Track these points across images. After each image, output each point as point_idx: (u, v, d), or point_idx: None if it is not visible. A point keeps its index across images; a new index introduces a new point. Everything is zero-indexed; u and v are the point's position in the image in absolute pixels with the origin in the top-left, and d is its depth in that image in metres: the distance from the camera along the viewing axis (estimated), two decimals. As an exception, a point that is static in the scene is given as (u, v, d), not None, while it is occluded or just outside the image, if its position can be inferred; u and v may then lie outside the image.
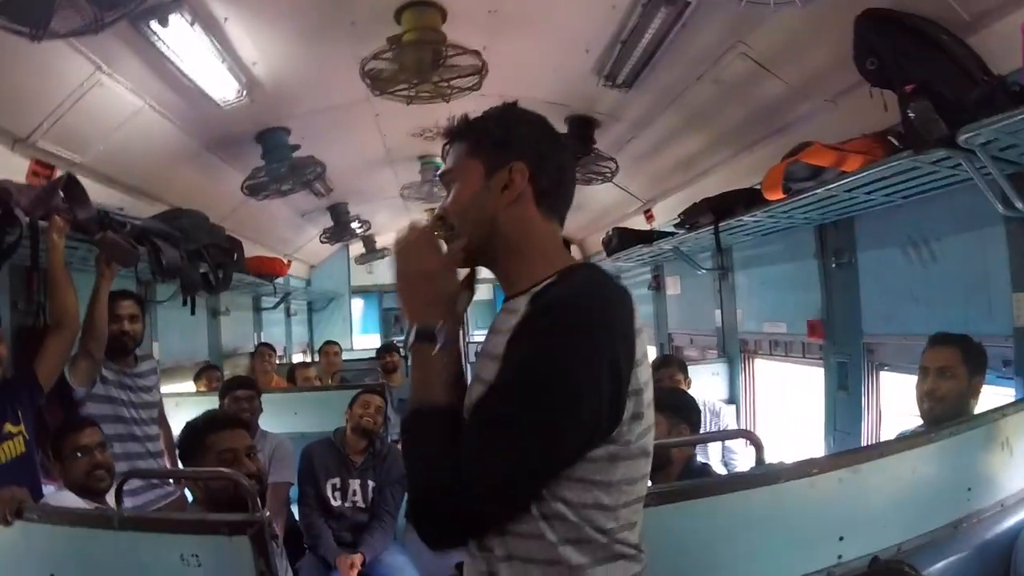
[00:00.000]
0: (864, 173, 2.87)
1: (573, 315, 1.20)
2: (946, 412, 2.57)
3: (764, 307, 5.01)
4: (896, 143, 2.86)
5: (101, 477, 2.82)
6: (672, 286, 6.67)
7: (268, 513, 1.83)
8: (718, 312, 5.55)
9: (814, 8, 2.78)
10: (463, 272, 1.43)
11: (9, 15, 2.35)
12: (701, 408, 3.93)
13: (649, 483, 1.33)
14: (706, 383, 5.12)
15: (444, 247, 1.36)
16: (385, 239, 10.13)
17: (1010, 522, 2.35)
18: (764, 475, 1.98)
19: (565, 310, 1.21)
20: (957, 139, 2.39)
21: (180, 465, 2.74)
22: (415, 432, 1.29)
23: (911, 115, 2.59)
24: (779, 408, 5.24)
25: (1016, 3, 2.49)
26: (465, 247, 1.37)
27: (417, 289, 1.35)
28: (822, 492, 1.99)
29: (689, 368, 4.60)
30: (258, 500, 2.04)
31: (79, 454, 2.80)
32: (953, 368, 2.63)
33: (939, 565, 2.12)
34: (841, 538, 1.91)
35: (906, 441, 2.31)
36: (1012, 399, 2.78)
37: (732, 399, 5.27)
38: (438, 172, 1.42)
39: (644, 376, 1.25)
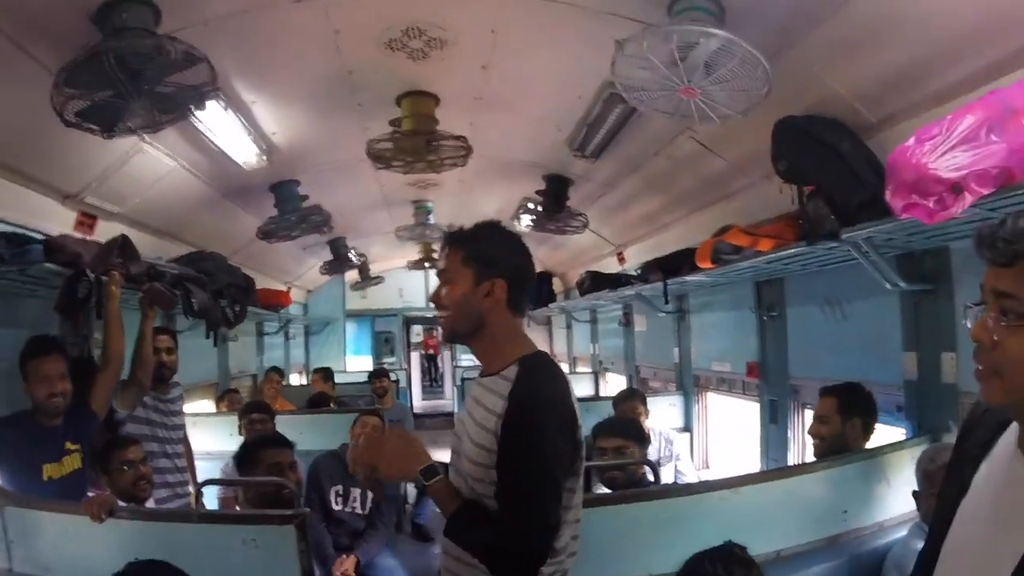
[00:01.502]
0: (773, 254, 3.50)
1: (546, 408, 1.82)
2: (825, 449, 3.13)
3: (712, 348, 5.57)
4: (804, 227, 3.45)
5: (143, 487, 3.33)
6: (640, 323, 7.21)
7: (308, 509, 2.44)
8: (676, 349, 6.10)
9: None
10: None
11: (88, 119, 2.93)
12: (657, 436, 4.58)
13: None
14: (664, 413, 5.68)
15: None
16: (378, 267, 10.75)
17: (886, 540, 2.84)
18: (659, 491, 2.64)
19: (540, 406, 1.82)
20: (841, 236, 3.01)
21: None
22: (464, 531, 1.86)
23: (809, 211, 3.23)
24: (732, 436, 5.71)
25: (913, 110, 2.96)
26: (451, 329, 1.99)
27: (403, 465, 1.91)
28: (708, 506, 2.58)
29: (649, 399, 5.14)
30: (301, 500, 2.68)
31: (126, 467, 3.29)
32: (828, 415, 3.16)
33: (815, 569, 2.67)
34: (724, 542, 2.45)
35: (780, 471, 2.90)
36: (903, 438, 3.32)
37: (687, 427, 5.82)
38: (438, 270, 2.03)
39: (580, 432, 1.89)
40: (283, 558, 2.27)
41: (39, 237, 3.26)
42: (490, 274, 1.94)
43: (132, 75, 2.72)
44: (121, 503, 3.19)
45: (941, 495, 1.44)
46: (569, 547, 1.90)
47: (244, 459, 3.38)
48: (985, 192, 2.17)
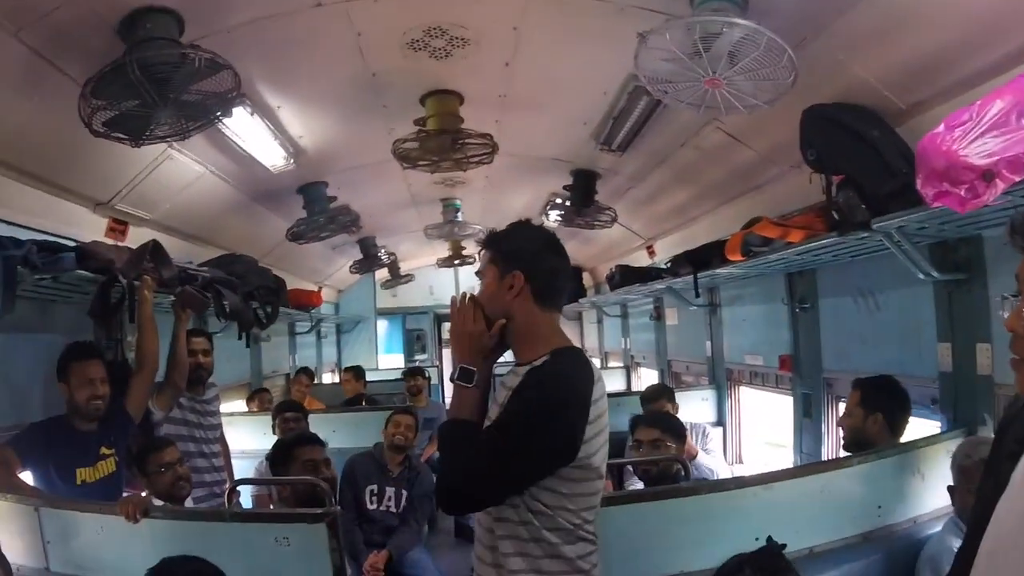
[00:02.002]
0: (804, 245, 3.45)
1: (549, 391, 1.83)
2: (849, 441, 3.12)
3: (745, 341, 5.51)
4: (835, 217, 3.39)
5: (182, 487, 3.37)
6: (671, 317, 7.16)
7: (340, 508, 2.46)
8: (708, 343, 6.04)
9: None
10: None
11: (116, 128, 2.97)
12: (690, 429, 4.56)
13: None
14: (696, 408, 5.64)
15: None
16: (408, 265, 10.76)
17: (920, 535, 2.80)
18: (692, 488, 2.62)
19: (545, 387, 1.83)
20: (872, 225, 2.95)
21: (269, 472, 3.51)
22: (450, 436, 1.94)
23: (839, 201, 3.18)
24: (766, 430, 5.71)
25: (943, 96, 2.91)
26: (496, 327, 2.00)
27: (466, 342, 1.97)
28: (742, 503, 2.55)
29: (682, 394, 5.20)
30: (333, 497, 2.71)
31: (163, 469, 3.32)
32: (851, 408, 3.15)
33: (849, 565, 2.63)
34: (757, 539, 2.40)
35: (814, 466, 2.86)
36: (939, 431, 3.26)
37: (720, 422, 5.75)
38: (476, 271, 2.13)
39: (596, 429, 1.87)
40: (315, 556, 2.30)
41: (71, 244, 3.31)
42: (511, 268, 1.97)
43: (158, 84, 2.74)
44: (157, 502, 3.27)
45: (979, 492, 1.42)
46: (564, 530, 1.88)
47: (278, 458, 3.45)
48: (1017, 179, 2.12)
